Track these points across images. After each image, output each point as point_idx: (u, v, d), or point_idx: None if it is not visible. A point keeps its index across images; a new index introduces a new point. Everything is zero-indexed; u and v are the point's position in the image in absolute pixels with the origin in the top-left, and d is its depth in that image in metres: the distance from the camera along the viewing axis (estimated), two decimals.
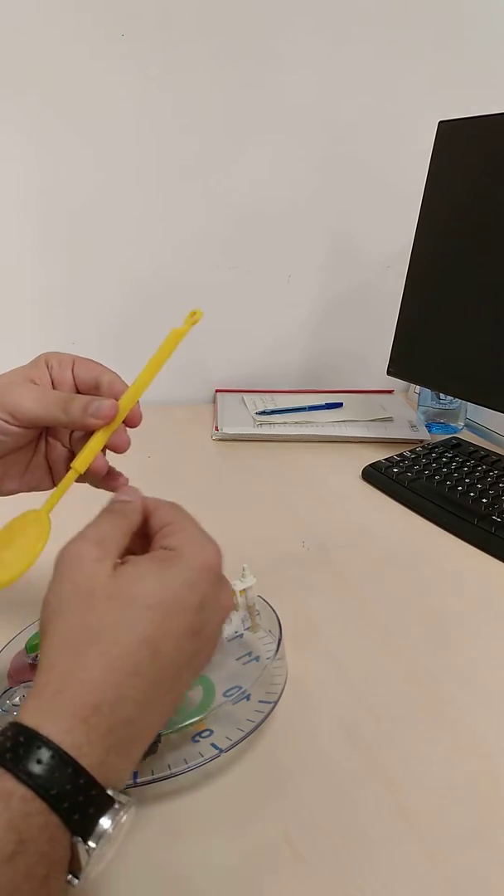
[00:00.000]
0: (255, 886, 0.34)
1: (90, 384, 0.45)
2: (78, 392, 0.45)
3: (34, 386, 0.43)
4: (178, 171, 0.95)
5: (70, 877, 0.27)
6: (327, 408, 1.00)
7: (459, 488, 0.74)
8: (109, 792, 0.27)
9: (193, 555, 0.33)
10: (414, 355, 0.87)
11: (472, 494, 0.73)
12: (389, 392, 1.11)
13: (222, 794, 0.39)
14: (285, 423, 0.95)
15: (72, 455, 0.46)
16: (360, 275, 1.10)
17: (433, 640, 0.54)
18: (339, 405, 1.01)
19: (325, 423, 0.95)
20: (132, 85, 0.89)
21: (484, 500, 0.72)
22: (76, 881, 0.27)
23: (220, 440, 0.93)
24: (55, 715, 0.27)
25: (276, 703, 0.43)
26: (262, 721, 0.42)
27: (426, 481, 0.77)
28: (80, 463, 0.41)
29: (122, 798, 0.28)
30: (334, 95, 0.97)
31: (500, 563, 0.65)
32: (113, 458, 0.47)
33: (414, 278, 0.85)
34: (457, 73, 0.99)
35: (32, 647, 0.46)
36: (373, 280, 1.10)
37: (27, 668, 0.45)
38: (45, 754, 0.26)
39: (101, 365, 0.47)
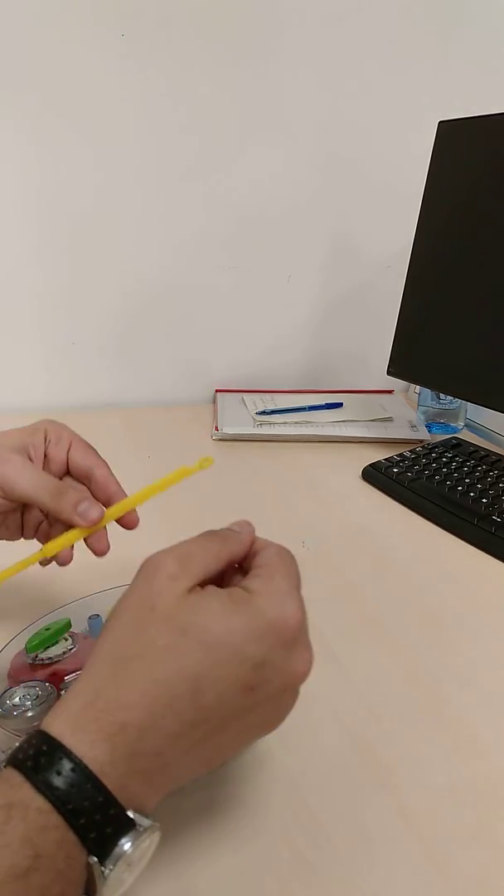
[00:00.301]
0: (255, 886, 0.34)
1: (82, 472, 0.45)
2: (69, 472, 0.45)
3: (29, 464, 0.42)
4: (179, 171, 0.95)
5: None
6: (327, 408, 1.00)
7: (459, 488, 0.74)
8: (130, 814, 0.26)
9: (270, 606, 0.30)
10: (414, 355, 0.87)
11: (472, 494, 0.73)
12: (389, 392, 1.11)
13: (222, 794, 0.39)
14: (285, 423, 0.95)
15: (47, 519, 0.46)
16: (360, 275, 1.10)
17: (433, 640, 0.54)
18: (339, 405, 1.01)
19: (325, 423, 0.95)
20: (132, 85, 0.89)
21: (484, 500, 0.72)
22: None
23: (220, 440, 0.93)
24: (81, 727, 0.26)
25: None
26: None
27: (426, 481, 0.77)
28: (51, 548, 0.41)
29: (145, 822, 0.26)
30: (334, 95, 0.97)
31: (500, 563, 0.65)
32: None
33: (414, 278, 0.85)
34: (457, 73, 0.99)
35: (32, 647, 0.46)
36: (373, 280, 1.10)
37: (27, 668, 0.45)
38: (66, 766, 0.25)
39: (96, 454, 0.46)
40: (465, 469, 0.79)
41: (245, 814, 0.38)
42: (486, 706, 0.47)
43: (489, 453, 0.83)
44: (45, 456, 0.45)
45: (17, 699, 0.42)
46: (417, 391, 1.05)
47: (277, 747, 0.42)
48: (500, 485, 0.75)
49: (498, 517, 0.69)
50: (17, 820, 0.24)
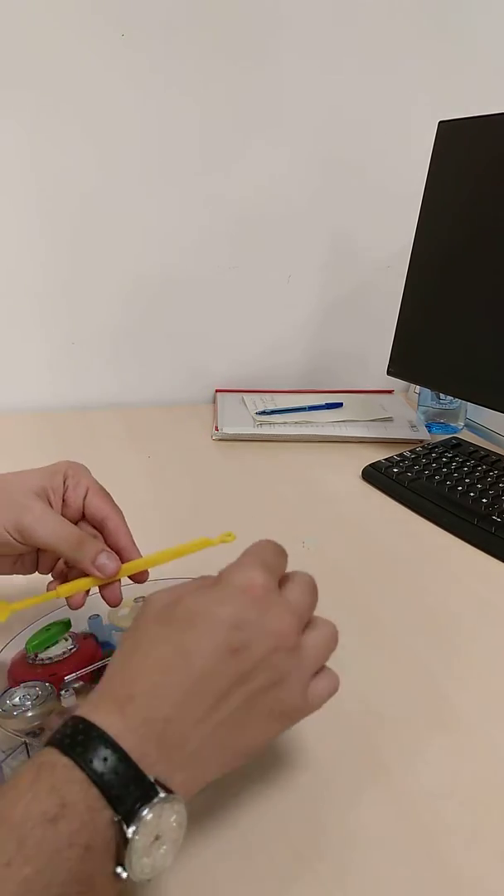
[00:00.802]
0: (254, 886, 0.34)
1: (97, 519, 0.47)
2: (84, 516, 0.47)
3: (50, 513, 0.44)
4: (179, 171, 0.95)
5: (119, 869, 0.27)
6: (327, 408, 1.00)
7: (459, 488, 0.74)
8: (150, 778, 0.28)
9: (234, 574, 0.34)
10: (414, 355, 0.87)
11: (472, 494, 0.73)
12: (389, 392, 1.11)
13: (222, 793, 0.39)
14: (285, 423, 0.95)
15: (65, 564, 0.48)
16: (360, 275, 1.10)
17: (433, 640, 0.54)
18: (339, 405, 1.01)
19: (325, 423, 0.95)
20: (132, 85, 0.89)
21: (484, 500, 0.72)
22: (124, 873, 0.27)
23: (220, 440, 0.93)
24: (98, 706, 0.30)
25: None
26: None
27: (426, 481, 0.77)
28: (65, 590, 0.43)
29: (165, 792, 0.28)
30: (334, 96, 0.97)
31: (500, 563, 0.65)
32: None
33: (414, 278, 0.85)
34: (457, 74, 0.99)
35: (32, 647, 0.46)
36: (373, 280, 1.10)
37: (27, 667, 0.45)
38: (90, 733, 0.28)
39: (111, 502, 0.48)
40: (465, 469, 0.79)
41: (244, 813, 0.38)
42: (487, 706, 0.47)
43: (489, 453, 0.83)
44: (63, 500, 0.47)
45: (17, 699, 0.42)
46: (417, 391, 1.05)
47: (277, 747, 0.42)
48: (500, 485, 0.75)
49: (498, 517, 0.69)
50: (45, 775, 0.27)
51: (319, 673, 0.36)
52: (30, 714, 0.41)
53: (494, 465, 0.80)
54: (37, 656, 0.46)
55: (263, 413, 0.97)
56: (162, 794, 0.28)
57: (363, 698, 0.47)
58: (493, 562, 0.65)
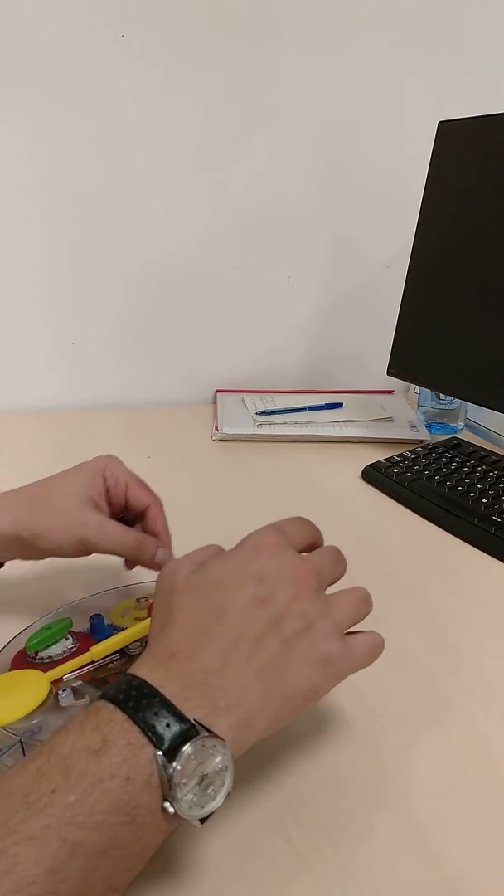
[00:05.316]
0: (254, 886, 0.34)
1: (137, 509, 0.51)
2: (126, 507, 0.51)
3: (108, 523, 0.47)
4: (178, 171, 0.95)
5: (167, 804, 0.28)
6: (327, 408, 1.00)
7: (459, 488, 0.74)
8: (190, 717, 0.29)
9: (247, 540, 0.37)
10: (414, 355, 0.87)
11: (472, 494, 0.73)
12: (389, 392, 1.11)
13: None
14: (285, 423, 0.95)
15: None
16: (360, 275, 1.10)
17: (433, 641, 0.54)
18: (339, 405, 1.01)
19: (325, 424, 0.95)
20: (131, 85, 0.89)
21: (484, 500, 0.72)
22: (171, 808, 0.28)
23: (220, 440, 0.93)
24: (143, 665, 0.33)
25: None
26: None
27: (426, 481, 0.77)
28: (99, 651, 0.45)
29: (206, 732, 0.29)
30: (334, 96, 0.97)
31: (500, 563, 0.65)
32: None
33: (414, 278, 0.85)
34: (457, 73, 0.99)
35: (32, 646, 0.46)
36: (373, 280, 1.10)
37: (27, 666, 0.45)
38: (133, 682, 0.31)
39: (149, 492, 0.52)
40: (465, 469, 0.79)
41: (244, 813, 0.38)
42: (487, 706, 0.47)
43: (489, 453, 0.83)
44: (108, 502, 0.50)
45: None
46: (417, 391, 1.05)
47: (277, 746, 0.42)
48: (500, 485, 0.75)
49: (498, 517, 0.69)
50: (91, 717, 0.30)
51: (361, 632, 0.38)
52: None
53: (494, 465, 0.80)
54: (37, 655, 0.46)
55: (263, 413, 0.97)
56: (204, 734, 0.29)
57: (362, 697, 0.47)
58: (493, 562, 0.65)
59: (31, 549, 0.46)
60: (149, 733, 0.28)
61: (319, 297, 1.10)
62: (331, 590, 0.38)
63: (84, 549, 0.46)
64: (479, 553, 0.67)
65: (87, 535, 0.46)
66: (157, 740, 0.28)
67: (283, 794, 0.39)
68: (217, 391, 1.08)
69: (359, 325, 1.13)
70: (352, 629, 0.37)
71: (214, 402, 1.06)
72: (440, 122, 0.79)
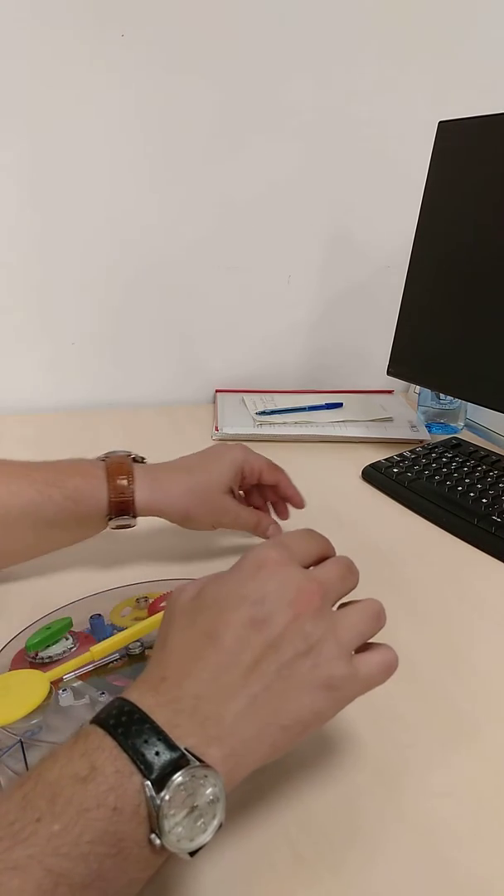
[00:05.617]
0: (255, 886, 0.34)
1: (269, 485, 0.63)
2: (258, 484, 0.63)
3: (238, 508, 0.60)
4: (178, 171, 0.95)
5: (153, 836, 0.27)
6: (327, 408, 1.00)
7: (459, 488, 0.74)
8: (179, 745, 0.28)
9: (246, 557, 0.36)
10: (414, 355, 0.87)
11: (472, 494, 0.73)
12: (389, 392, 1.11)
13: None
14: (285, 423, 0.95)
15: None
16: (360, 274, 1.10)
17: (433, 641, 0.54)
18: (339, 405, 1.01)
19: (325, 424, 0.95)
20: (130, 84, 0.89)
21: (484, 500, 0.72)
22: (158, 840, 0.27)
23: (220, 440, 0.93)
24: (134, 687, 0.32)
25: None
26: None
27: (426, 481, 0.77)
28: (99, 651, 0.45)
29: (197, 761, 0.28)
30: (334, 95, 0.97)
31: (500, 563, 0.65)
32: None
33: (414, 278, 0.85)
34: (457, 73, 0.99)
35: (32, 646, 0.46)
36: (372, 280, 1.10)
37: (27, 666, 0.45)
38: (123, 707, 0.30)
39: (277, 470, 0.63)
40: (465, 469, 0.79)
41: (244, 814, 0.38)
42: (487, 706, 0.47)
43: (489, 453, 0.83)
44: (244, 491, 0.65)
45: None
46: (417, 391, 1.05)
47: (282, 760, 0.42)
48: (500, 485, 0.75)
49: (498, 517, 0.69)
50: (80, 742, 0.29)
51: (372, 648, 0.36)
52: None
53: (494, 465, 0.80)
54: (37, 655, 0.46)
55: (263, 413, 0.97)
56: (195, 763, 0.28)
57: (363, 698, 0.47)
58: (493, 562, 0.65)
59: (176, 521, 0.59)
60: (138, 761, 0.28)
61: (319, 297, 1.10)
62: (346, 598, 0.37)
63: (218, 527, 0.60)
64: (480, 553, 0.67)
65: (223, 520, 0.60)
66: (145, 769, 0.27)
67: (284, 795, 0.39)
68: (217, 391, 1.08)
69: (359, 324, 1.13)
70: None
71: (214, 401, 1.06)
72: (440, 122, 0.79)
